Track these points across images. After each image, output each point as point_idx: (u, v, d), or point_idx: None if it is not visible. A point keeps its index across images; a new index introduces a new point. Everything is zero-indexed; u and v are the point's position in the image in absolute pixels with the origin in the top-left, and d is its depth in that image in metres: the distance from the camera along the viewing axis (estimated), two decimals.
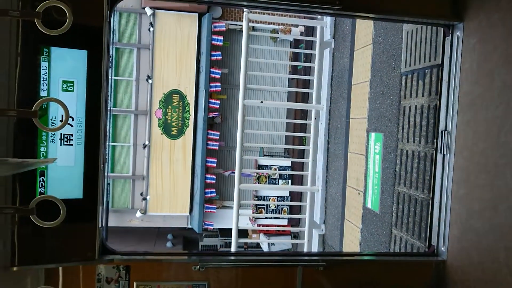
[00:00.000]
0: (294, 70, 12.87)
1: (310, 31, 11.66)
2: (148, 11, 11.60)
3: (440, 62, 3.33)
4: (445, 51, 3.23)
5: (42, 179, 2.44)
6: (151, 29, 11.74)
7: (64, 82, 2.47)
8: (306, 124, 10.99)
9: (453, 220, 3.08)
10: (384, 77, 6.71)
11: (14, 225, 2.35)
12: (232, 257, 3.16)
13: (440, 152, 3.22)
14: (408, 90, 5.81)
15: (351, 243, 7.67)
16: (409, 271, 3.17)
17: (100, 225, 2.64)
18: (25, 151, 2.37)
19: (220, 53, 12.04)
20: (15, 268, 2.38)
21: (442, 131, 3.21)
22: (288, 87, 12.99)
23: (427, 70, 5.35)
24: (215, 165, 12.31)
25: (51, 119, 2.44)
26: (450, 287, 3.07)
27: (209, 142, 12.10)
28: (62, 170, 2.50)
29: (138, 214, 12.07)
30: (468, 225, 2.92)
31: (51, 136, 2.45)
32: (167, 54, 11.90)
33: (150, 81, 11.84)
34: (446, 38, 3.23)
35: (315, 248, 9.24)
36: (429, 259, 3.19)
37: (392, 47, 6.51)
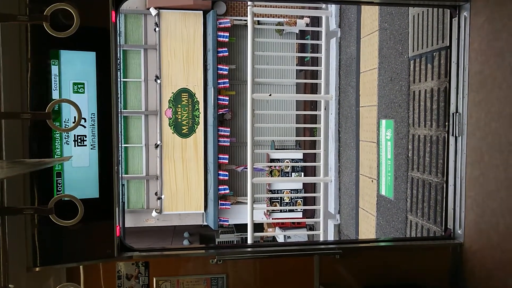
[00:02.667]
0: (301, 61, 12.83)
1: (316, 21, 11.59)
2: (153, 11, 11.65)
3: (448, 44, 3.29)
4: (453, 32, 3.19)
5: (59, 180, 2.49)
6: (157, 29, 11.79)
7: (74, 84, 2.51)
8: (316, 115, 10.95)
9: (469, 202, 3.06)
10: (392, 63, 6.65)
11: (34, 226, 2.41)
12: (249, 249, 3.18)
13: (452, 135, 3.19)
14: (417, 74, 5.75)
15: (367, 231, 7.65)
16: (425, 255, 3.16)
17: (117, 223, 2.69)
18: (40, 153, 2.41)
19: (226, 49, 12.04)
20: (37, 269, 2.44)
21: (453, 114, 3.18)
22: (296, 79, 12.96)
23: (435, 53, 5.29)
24: (227, 161, 12.35)
25: (64, 122, 2.48)
26: (468, 269, 3.05)
27: (220, 139, 12.14)
28: (77, 171, 2.55)
29: (154, 213, 12.19)
30: (485, 206, 2.89)
31: (65, 138, 2.49)
32: (174, 53, 11.94)
33: (158, 81, 11.91)
34: (453, 19, 3.19)
35: (331, 238, 9.24)
36: (446, 243, 3.17)
37: (398, 32, 6.45)
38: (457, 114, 3.14)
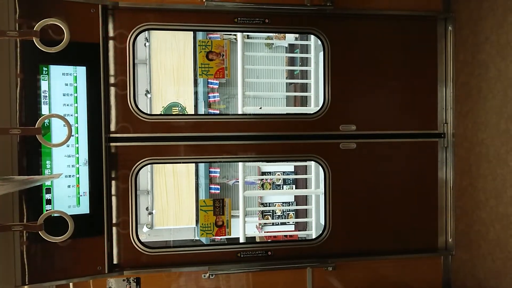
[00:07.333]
0: (291, 74, 12.93)
1: (304, 35, 11.72)
2: None
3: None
4: (439, 45, 3.26)
5: (48, 196, 2.47)
6: (147, 44, 11.82)
7: (64, 99, 2.51)
8: None
9: (459, 213, 3.09)
10: None
11: (23, 243, 2.37)
12: (242, 263, 3.16)
13: (441, 146, 3.24)
14: None
15: None
16: (417, 266, 3.17)
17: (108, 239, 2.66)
18: (30, 169, 2.39)
19: None
20: (26, 287, 2.39)
21: (441, 125, 3.23)
22: (286, 92, 13.04)
23: None
24: (218, 174, 12.30)
25: (54, 137, 2.46)
26: (459, 280, 3.07)
27: None
28: (67, 187, 2.52)
29: (145, 229, 12.03)
30: (474, 216, 2.92)
31: (55, 153, 2.47)
32: (164, 67, 11.95)
33: (148, 95, 11.89)
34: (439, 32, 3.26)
35: None
36: (437, 253, 3.19)
37: None
38: (445, 125, 3.19)
